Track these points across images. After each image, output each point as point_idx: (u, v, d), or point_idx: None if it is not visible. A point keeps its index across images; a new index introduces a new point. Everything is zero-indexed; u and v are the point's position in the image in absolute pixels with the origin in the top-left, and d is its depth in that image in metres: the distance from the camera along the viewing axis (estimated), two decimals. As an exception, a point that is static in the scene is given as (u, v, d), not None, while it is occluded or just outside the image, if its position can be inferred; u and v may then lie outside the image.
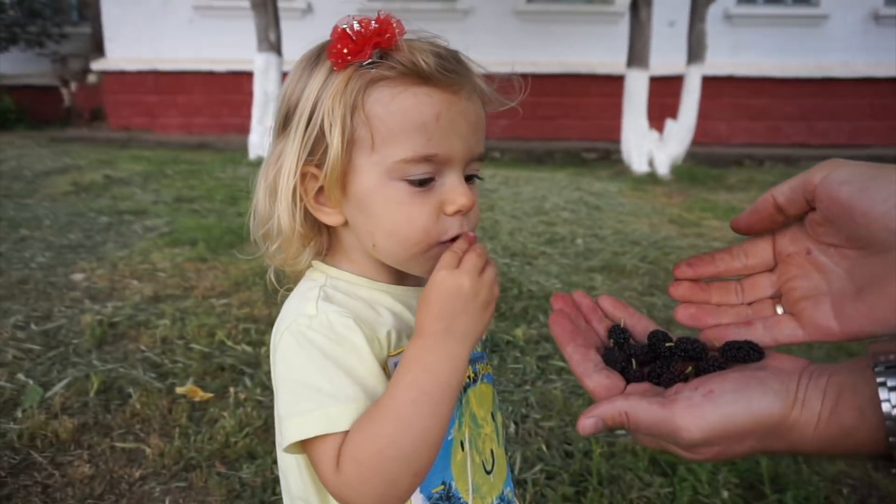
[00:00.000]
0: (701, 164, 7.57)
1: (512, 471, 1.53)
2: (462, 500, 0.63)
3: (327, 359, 0.54)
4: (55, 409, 1.67)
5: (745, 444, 0.48)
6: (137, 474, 1.44)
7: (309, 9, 8.96)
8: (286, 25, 6.91)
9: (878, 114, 9.39)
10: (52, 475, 1.42)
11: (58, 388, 1.76)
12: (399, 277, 0.64)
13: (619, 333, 0.57)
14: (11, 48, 9.35)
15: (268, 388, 1.85)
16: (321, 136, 0.56)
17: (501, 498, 0.68)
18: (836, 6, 9.14)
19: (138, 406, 1.68)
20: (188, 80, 9.17)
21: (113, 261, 3.00)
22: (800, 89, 9.28)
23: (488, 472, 0.66)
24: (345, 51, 0.55)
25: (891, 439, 0.43)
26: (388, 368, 0.59)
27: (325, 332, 0.56)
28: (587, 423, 0.50)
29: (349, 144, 0.56)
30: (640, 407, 0.48)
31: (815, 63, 9.24)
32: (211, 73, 9.10)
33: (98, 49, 9.52)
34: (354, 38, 0.55)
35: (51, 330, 2.16)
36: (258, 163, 4.01)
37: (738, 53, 9.26)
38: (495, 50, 9.46)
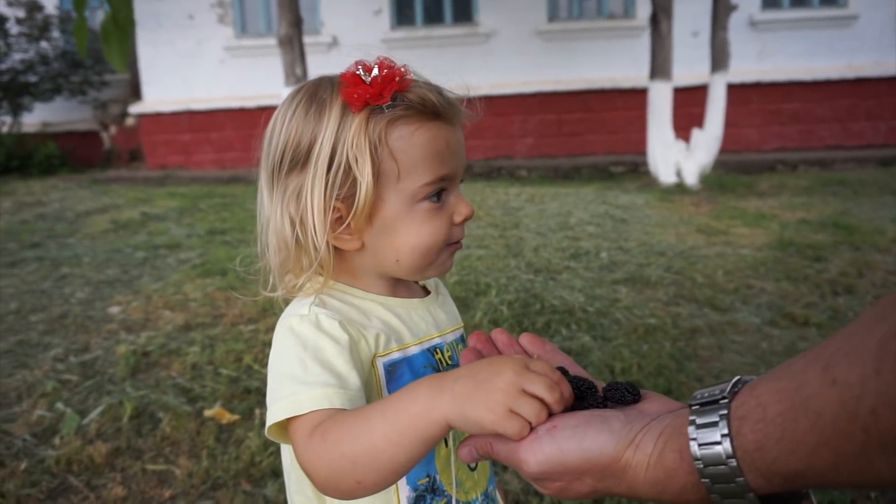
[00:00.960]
0: (732, 171, 7.47)
1: (496, 475, 1.54)
2: (446, 493, 0.66)
3: (306, 350, 0.59)
4: (91, 435, 1.74)
5: (584, 482, 0.47)
6: (167, 494, 1.50)
7: (334, 42, 9.21)
8: (312, 59, 7.12)
9: (915, 111, 9.14)
10: (88, 497, 1.48)
11: (93, 415, 1.84)
12: (391, 291, 0.69)
13: None
14: (56, 97, 9.84)
15: (292, 410, 1.90)
16: (347, 173, 0.62)
17: (486, 494, 0.71)
18: (865, 6, 8.98)
19: (168, 430, 1.74)
20: (220, 118, 9.49)
21: (147, 293, 3.11)
22: (831, 91, 9.10)
23: (472, 469, 0.70)
24: (367, 95, 0.61)
25: (703, 481, 0.42)
26: (376, 365, 0.64)
27: (311, 327, 0.61)
28: (464, 450, 0.53)
29: (377, 178, 0.62)
30: (498, 439, 0.49)
31: (846, 64, 9.07)
32: (242, 110, 9.40)
33: (136, 93, 9.94)
34: (371, 83, 0.61)
35: (88, 361, 2.26)
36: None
37: (765, 59, 9.16)
38: (518, 71, 9.60)
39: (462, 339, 0.76)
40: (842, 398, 0.35)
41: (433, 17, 9.36)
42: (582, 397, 0.52)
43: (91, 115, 10.45)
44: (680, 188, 6.40)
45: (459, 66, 9.19)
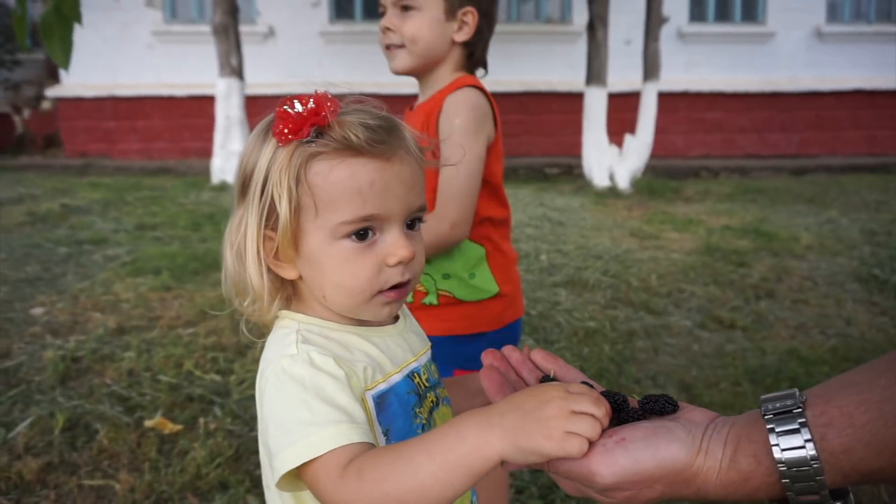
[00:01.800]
0: (660, 176, 7.79)
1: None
2: None
3: (307, 390, 0.59)
4: (18, 449, 1.63)
5: (654, 489, 0.51)
6: (107, 511, 1.43)
7: (271, 32, 8.97)
8: (248, 50, 6.92)
9: (824, 125, 9.80)
10: (18, 517, 1.40)
11: (20, 427, 1.72)
12: (360, 320, 0.69)
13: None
14: (-39, 76, 9.13)
15: (238, 417, 1.85)
16: (273, 205, 0.63)
17: None
18: (782, 24, 9.55)
19: (106, 442, 1.66)
20: (147, 105, 9.06)
21: (74, 293, 2.95)
22: (750, 103, 9.64)
23: None
24: (286, 130, 0.62)
25: (783, 481, 0.47)
26: (366, 400, 0.64)
27: (306, 366, 0.60)
28: (510, 466, 0.54)
29: (296, 211, 0.63)
30: (560, 460, 0.51)
31: (764, 78, 9.62)
32: (171, 98, 9.01)
33: (52, 75, 9.35)
34: (294, 118, 0.62)
35: (11, 368, 2.12)
36: (222, 187, 4.01)
37: (692, 70, 9.59)
38: (457, 70, 9.63)
39: (432, 359, 0.76)
40: None
41: (372, 12, 9.26)
42: (619, 409, 0.55)
43: (1, 97, 9.76)
44: (613, 192, 6.62)
45: (399, 63, 9.14)
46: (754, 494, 0.50)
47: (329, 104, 0.64)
